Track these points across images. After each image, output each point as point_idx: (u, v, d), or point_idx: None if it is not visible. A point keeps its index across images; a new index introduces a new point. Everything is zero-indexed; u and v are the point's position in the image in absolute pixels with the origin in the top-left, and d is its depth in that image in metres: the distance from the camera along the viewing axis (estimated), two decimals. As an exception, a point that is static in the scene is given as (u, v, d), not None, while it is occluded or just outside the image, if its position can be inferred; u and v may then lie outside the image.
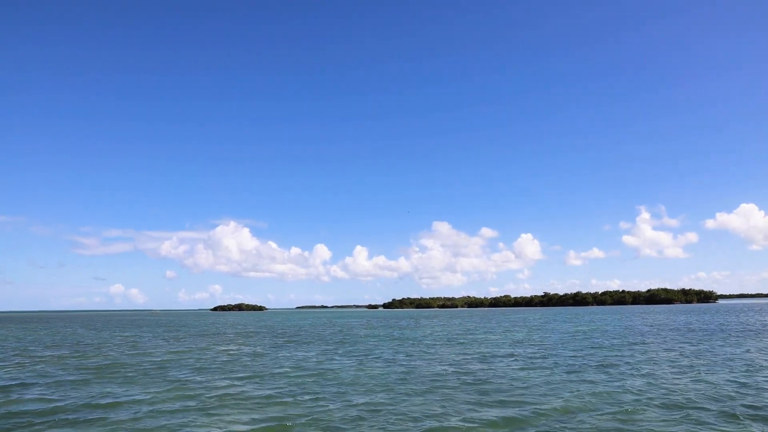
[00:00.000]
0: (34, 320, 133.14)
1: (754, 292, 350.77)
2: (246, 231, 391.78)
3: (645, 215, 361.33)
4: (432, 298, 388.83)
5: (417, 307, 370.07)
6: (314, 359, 27.39)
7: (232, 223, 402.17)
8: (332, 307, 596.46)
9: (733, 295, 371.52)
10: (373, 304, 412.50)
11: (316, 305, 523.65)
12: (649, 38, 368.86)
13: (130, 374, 22.23)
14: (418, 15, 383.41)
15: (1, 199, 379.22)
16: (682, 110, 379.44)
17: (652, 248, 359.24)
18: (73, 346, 38.92)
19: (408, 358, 27.45)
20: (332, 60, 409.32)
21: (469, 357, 27.20)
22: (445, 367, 22.91)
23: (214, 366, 24.89)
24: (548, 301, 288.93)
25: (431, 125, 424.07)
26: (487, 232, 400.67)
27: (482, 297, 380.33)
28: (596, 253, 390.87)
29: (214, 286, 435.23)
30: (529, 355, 27.49)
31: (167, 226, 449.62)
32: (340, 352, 31.40)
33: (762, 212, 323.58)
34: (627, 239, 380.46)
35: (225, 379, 20.57)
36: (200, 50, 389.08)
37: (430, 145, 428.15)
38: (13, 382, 20.39)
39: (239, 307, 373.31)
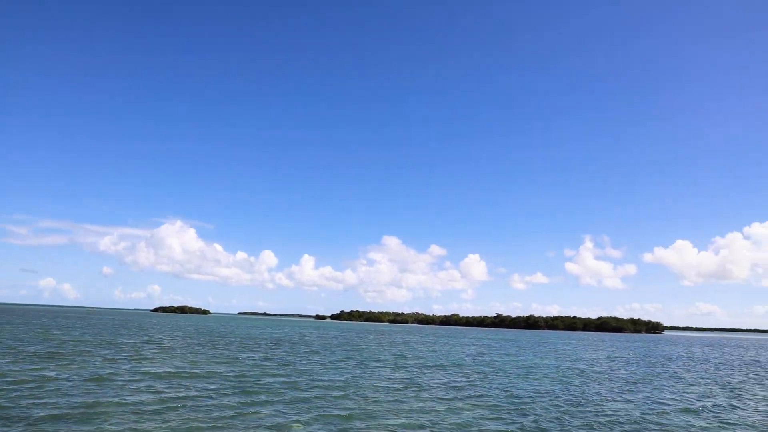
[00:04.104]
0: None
1: (683, 326, 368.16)
2: (192, 231, 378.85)
3: (588, 244, 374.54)
4: (381, 312, 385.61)
5: (366, 320, 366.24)
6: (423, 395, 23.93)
7: (179, 223, 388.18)
8: (275, 315, 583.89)
9: (666, 327, 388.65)
10: (320, 314, 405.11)
11: (259, 312, 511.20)
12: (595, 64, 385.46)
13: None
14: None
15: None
16: (640, 149, 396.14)
17: (592, 277, 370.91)
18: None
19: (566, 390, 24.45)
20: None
21: (574, 393, 24.52)
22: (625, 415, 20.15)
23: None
24: (500, 322, 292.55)
25: (388, 137, 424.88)
26: (436, 249, 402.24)
27: (431, 314, 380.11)
28: (540, 278, 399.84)
29: (152, 286, 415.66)
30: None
31: (108, 221, 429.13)
32: (433, 378, 27.96)
33: (695, 249, 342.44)
34: (570, 266, 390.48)
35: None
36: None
37: (384, 157, 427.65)
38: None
39: (182, 310, 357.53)
